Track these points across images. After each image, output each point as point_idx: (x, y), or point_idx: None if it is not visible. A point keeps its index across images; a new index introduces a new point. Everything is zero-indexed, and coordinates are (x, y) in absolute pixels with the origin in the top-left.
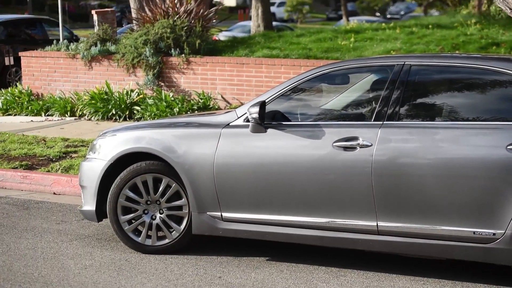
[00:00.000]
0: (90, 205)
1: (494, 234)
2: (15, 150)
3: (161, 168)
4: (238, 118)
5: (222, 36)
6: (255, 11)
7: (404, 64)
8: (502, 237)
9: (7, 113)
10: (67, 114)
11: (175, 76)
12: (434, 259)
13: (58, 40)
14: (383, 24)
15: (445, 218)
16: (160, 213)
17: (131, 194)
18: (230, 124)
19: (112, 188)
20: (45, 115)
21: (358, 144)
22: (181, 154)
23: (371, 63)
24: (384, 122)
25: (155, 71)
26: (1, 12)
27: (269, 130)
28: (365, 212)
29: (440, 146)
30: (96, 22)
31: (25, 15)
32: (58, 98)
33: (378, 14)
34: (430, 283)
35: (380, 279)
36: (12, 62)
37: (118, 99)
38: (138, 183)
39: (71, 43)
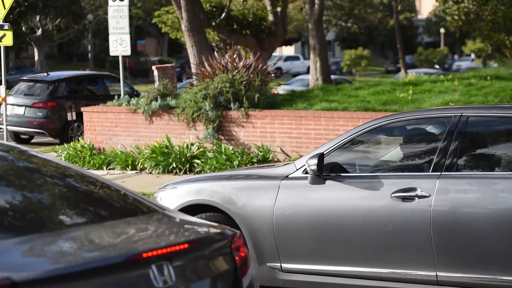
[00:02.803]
0: None
1: None
2: None
3: (221, 220)
4: (297, 170)
5: (281, 89)
6: (314, 65)
7: (461, 115)
8: None
9: None
10: (128, 167)
11: (235, 129)
12: None
13: (119, 95)
14: (442, 76)
15: (505, 268)
16: None
17: None
18: (289, 176)
19: None
20: (106, 169)
21: (417, 195)
22: (241, 206)
23: (428, 115)
24: (442, 173)
25: (215, 124)
26: (64, 69)
27: (328, 182)
28: (424, 262)
29: (499, 196)
30: (157, 78)
31: (87, 72)
32: (119, 152)
33: (437, 66)
34: None
35: None
36: (74, 118)
37: (178, 152)
38: None
39: (132, 98)
